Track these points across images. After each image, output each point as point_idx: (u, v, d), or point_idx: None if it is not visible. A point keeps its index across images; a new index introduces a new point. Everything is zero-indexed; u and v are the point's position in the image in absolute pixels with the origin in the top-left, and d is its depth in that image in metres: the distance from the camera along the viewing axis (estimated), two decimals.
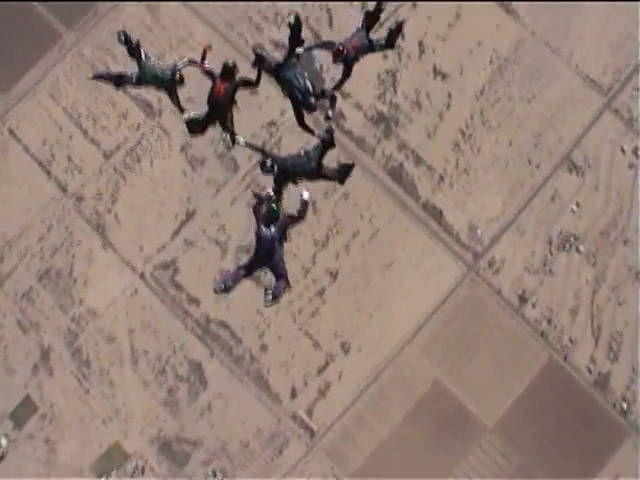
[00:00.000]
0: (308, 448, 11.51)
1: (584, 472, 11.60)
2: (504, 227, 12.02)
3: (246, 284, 9.69)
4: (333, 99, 9.55)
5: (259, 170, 9.43)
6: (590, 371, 11.82)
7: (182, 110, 9.59)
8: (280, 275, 9.08)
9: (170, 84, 9.51)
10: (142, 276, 11.82)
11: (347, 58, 9.37)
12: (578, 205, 12.05)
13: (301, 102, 9.28)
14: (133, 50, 9.50)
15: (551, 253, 12.05)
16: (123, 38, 9.42)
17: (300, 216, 9.11)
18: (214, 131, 9.67)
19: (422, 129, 12.13)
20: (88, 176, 12.13)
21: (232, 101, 9.45)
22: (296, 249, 11.70)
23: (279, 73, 9.30)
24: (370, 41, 9.51)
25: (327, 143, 9.26)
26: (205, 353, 11.59)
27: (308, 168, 9.23)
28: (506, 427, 11.57)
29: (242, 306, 11.53)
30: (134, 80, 9.56)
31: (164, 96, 9.90)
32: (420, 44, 12.27)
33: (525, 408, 11.60)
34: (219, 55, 10.16)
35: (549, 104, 12.21)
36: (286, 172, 9.15)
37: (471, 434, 11.56)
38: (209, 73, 9.43)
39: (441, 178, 12.10)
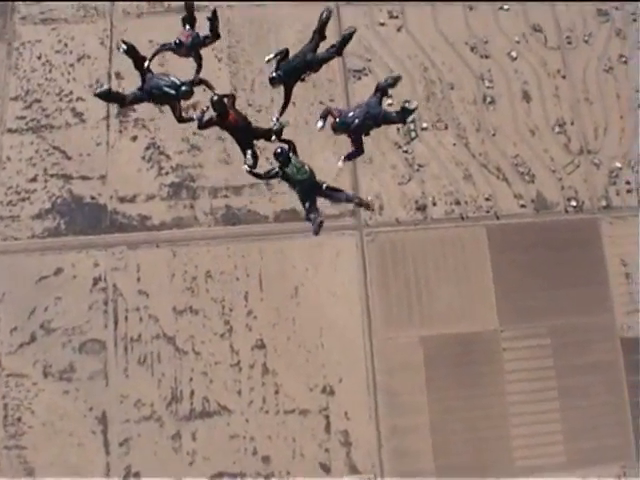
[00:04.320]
0: None
1: (601, 279, 11.06)
2: (353, 171, 11.28)
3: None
4: None
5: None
6: (524, 206, 11.21)
7: (182, 119, 8.75)
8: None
9: (176, 98, 8.65)
10: None
11: (351, 129, 8.44)
12: None
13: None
14: (138, 62, 8.58)
15: (406, 151, 11.38)
16: (126, 48, 8.45)
17: None
18: None
19: None
20: None
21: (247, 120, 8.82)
22: (211, 358, 10.65)
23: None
24: (378, 113, 8.55)
25: None
26: None
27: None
28: (509, 314, 10.80)
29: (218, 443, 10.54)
30: (138, 96, 8.64)
31: None
32: None
33: (508, 285, 10.88)
34: None
35: None
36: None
37: (490, 348, 10.73)
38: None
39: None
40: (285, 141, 8.96)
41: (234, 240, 11.10)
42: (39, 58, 11.95)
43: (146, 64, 8.84)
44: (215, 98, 8.63)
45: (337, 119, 8.48)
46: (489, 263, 10.89)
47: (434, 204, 11.21)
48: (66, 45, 12.05)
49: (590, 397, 10.64)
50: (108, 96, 9.17)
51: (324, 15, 8.71)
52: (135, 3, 12.18)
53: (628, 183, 11.42)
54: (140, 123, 11.58)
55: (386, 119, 8.71)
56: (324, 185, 8.86)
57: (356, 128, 8.47)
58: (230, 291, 10.91)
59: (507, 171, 11.35)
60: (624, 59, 12.07)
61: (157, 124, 11.54)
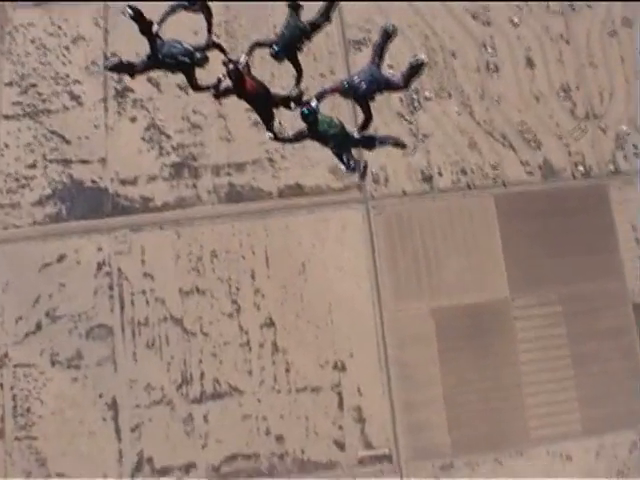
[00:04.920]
0: (400, 470, 10.34)
1: (611, 245, 10.89)
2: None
3: None
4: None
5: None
6: (531, 173, 11.03)
7: (198, 88, 8.50)
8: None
9: (190, 65, 8.39)
10: None
11: (359, 93, 8.27)
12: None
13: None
14: (146, 27, 8.21)
15: (410, 122, 11.19)
16: (132, 13, 8.09)
17: None
18: None
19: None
20: None
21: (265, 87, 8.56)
22: (220, 338, 10.53)
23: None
24: (380, 77, 8.34)
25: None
26: None
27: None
28: (520, 283, 10.65)
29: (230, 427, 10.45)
30: (148, 63, 8.33)
31: None
32: None
33: (517, 253, 10.71)
34: None
35: None
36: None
37: (501, 317, 10.57)
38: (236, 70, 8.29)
39: (270, 161, 11.12)
40: (305, 103, 8.69)
41: (238, 218, 10.92)
42: (32, 42, 11.71)
43: (154, 29, 8.46)
44: (231, 67, 8.32)
45: (346, 83, 8.32)
46: (498, 232, 10.71)
47: (440, 174, 11.01)
48: (60, 27, 11.82)
49: (604, 364, 10.52)
50: (119, 68, 8.84)
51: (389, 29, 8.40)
52: None
53: (636, 147, 11.24)
54: (139, 103, 11.37)
55: (388, 85, 8.54)
56: (355, 133, 8.68)
57: (364, 92, 8.31)
58: (236, 270, 10.75)
59: (513, 138, 11.15)
60: (628, 22, 11.87)
61: (156, 104, 11.33)
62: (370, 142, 8.75)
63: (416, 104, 11.26)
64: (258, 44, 8.90)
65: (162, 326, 10.63)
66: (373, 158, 10.57)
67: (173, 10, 8.68)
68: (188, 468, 10.34)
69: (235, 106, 10.18)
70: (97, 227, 10.98)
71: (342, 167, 8.86)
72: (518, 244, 10.65)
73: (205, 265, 10.82)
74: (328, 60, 11.47)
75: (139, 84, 11.28)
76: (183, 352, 10.56)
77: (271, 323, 10.63)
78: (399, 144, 8.93)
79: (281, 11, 11.75)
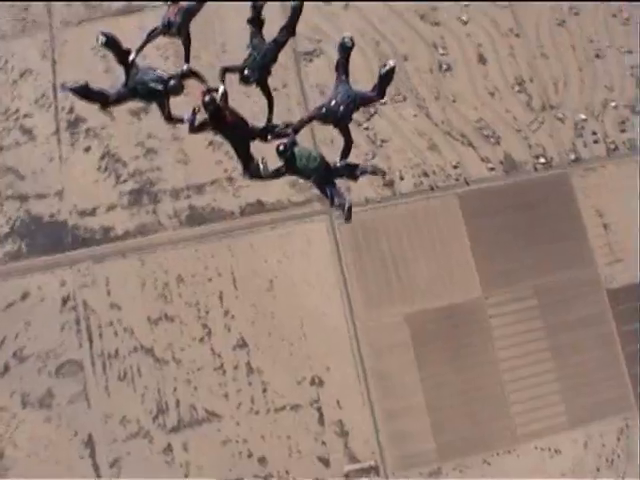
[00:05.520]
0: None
1: (579, 233, 10.82)
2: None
3: None
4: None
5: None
6: (493, 169, 10.94)
7: (172, 120, 8.00)
8: None
9: (163, 94, 7.87)
10: None
11: (339, 117, 7.97)
12: None
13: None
14: (122, 56, 7.73)
15: (367, 128, 11.10)
16: (104, 40, 7.58)
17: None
18: None
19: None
20: None
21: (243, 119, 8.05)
22: (193, 364, 10.25)
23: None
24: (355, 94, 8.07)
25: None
26: None
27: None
28: (492, 280, 10.52)
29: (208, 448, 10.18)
30: (122, 94, 7.81)
31: None
32: None
33: (486, 250, 10.60)
34: None
35: None
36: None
37: (476, 316, 10.43)
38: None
39: (229, 180, 10.95)
40: (283, 135, 8.33)
41: (202, 240, 10.71)
42: None
43: (132, 57, 8.09)
44: (207, 98, 7.91)
45: (323, 109, 8.09)
46: (465, 231, 10.59)
47: (402, 178, 10.89)
48: (7, 62, 11.63)
49: (583, 353, 10.42)
50: (87, 93, 8.43)
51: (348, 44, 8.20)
52: (73, 11, 11.78)
53: (594, 134, 11.22)
54: (92, 132, 11.17)
55: (364, 99, 8.35)
56: (338, 164, 8.35)
57: (343, 114, 8.06)
58: (204, 293, 10.52)
59: (472, 136, 11.07)
60: (575, 11, 11.90)
61: (109, 131, 11.14)
62: (353, 171, 8.43)
63: (372, 110, 11.15)
64: (227, 70, 8.51)
65: (133, 357, 10.36)
66: (326, 132, 10.35)
67: (152, 36, 8.34)
68: None
69: None
70: (59, 261, 10.72)
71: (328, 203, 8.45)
72: (486, 241, 10.55)
73: (172, 291, 10.58)
74: (281, 74, 11.34)
75: (91, 113, 11.04)
76: (156, 381, 10.29)
77: (244, 344, 10.40)
78: (377, 172, 8.66)
79: (230, 29, 11.66)
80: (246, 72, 8.13)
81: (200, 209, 10.91)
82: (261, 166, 8.72)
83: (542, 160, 11.00)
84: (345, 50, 8.33)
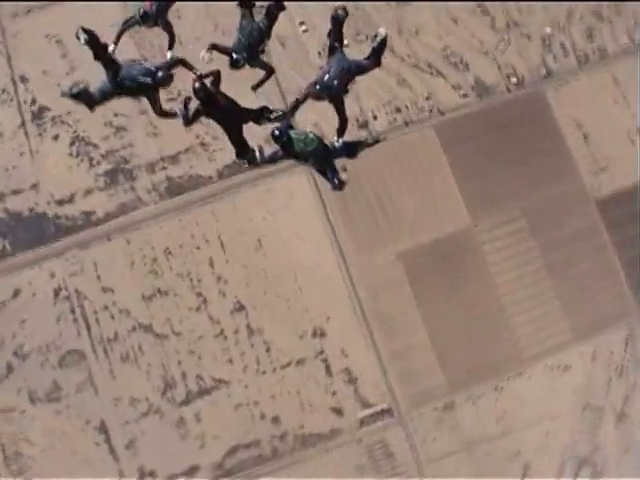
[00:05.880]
0: (403, 421, 10.12)
1: (560, 147, 10.64)
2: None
3: None
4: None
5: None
6: (466, 95, 10.77)
7: (163, 114, 7.84)
8: None
9: (153, 87, 7.91)
10: None
11: (333, 92, 7.76)
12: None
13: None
14: (100, 52, 7.70)
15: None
16: (86, 38, 7.56)
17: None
18: None
19: None
20: None
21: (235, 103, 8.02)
22: (193, 334, 10.21)
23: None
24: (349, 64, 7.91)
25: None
26: None
27: None
28: (479, 207, 10.41)
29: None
30: (107, 91, 7.59)
31: None
32: None
33: (470, 178, 10.44)
34: None
35: None
36: None
37: (468, 245, 10.33)
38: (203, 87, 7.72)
39: (202, 145, 10.77)
40: (277, 118, 8.10)
41: (184, 210, 10.56)
42: None
43: (110, 48, 7.79)
44: (197, 85, 7.63)
45: (317, 85, 7.91)
46: (445, 160, 10.42)
47: (375, 118, 10.66)
48: None
49: (579, 266, 10.32)
50: (82, 96, 8.21)
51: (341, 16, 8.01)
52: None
53: (563, 46, 11.02)
54: (58, 120, 10.95)
55: (359, 68, 8.17)
56: (336, 142, 8.10)
57: (338, 88, 7.88)
58: (194, 262, 10.40)
59: (439, 65, 10.83)
60: None
61: (75, 116, 10.91)
62: (352, 149, 8.27)
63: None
64: (215, 47, 8.17)
65: (133, 336, 10.29)
66: (304, 116, 10.29)
67: (127, 25, 8.03)
68: (192, 472, 10.03)
69: None
70: (45, 254, 10.60)
71: (328, 185, 8.27)
72: (468, 168, 10.39)
73: (161, 265, 10.48)
74: None
75: (54, 101, 10.91)
76: (160, 357, 10.23)
77: (240, 307, 10.32)
78: (380, 140, 8.49)
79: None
80: (234, 56, 7.91)
81: (178, 179, 10.77)
82: (257, 154, 8.62)
83: (514, 80, 10.80)
84: (337, 21, 8.16)
